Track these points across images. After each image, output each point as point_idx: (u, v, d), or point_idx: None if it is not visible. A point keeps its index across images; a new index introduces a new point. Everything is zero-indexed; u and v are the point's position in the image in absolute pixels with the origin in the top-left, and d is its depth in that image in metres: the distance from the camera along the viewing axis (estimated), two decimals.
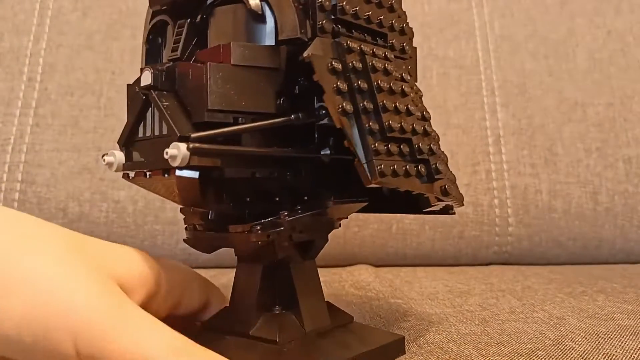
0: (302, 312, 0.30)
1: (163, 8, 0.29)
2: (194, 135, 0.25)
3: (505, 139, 0.68)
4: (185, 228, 0.31)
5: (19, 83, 0.65)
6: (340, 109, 0.26)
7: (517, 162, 0.67)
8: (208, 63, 0.26)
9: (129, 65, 0.67)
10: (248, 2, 0.27)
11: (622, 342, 0.33)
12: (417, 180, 0.28)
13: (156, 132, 0.27)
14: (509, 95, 0.69)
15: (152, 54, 0.32)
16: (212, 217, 0.30)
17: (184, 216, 0.31)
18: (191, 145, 0.25)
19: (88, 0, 0.68)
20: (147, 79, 0.27)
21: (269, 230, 0.28)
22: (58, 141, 0.63)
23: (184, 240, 0.31)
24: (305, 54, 0.26)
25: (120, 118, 0.65)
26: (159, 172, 0.27)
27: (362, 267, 0.60)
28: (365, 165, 0.26)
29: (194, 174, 0.27)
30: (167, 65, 0.27)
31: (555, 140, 0.68)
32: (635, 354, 0.32)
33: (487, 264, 0.66)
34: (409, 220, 0.65)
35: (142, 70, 0.27)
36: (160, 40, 0.31)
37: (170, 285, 0.31)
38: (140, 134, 0.28)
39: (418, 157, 0.28)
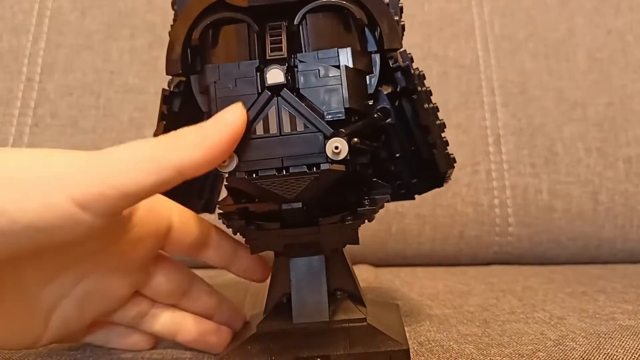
0: (293, 305, 0.32)
1: (250, 6, 0.29)
2: (346, 130, 0.28)
3: (505, 138, 0.67)
4: (238, 233, 0.31)
5: (17, 83, 0.65)
6: (426, 108, 0.32)
7: (517, 162, 0.67)
8: (344, 65, 0.28)
9: (128, 65, 0.66)
10: (354, 12, 0.29)
11: (622, 342, 0.33)
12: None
13: (286, 130, 0.28)
14: (509, 94, 0.69)
15: (199, 53, 0.31)
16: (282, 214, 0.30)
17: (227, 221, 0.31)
18: (353, 140, 0.28)
19: (87, 0, 0.68)
20: (279, 77, 0.27)
21: (359, 221, 0.30)
22: (57, 141, 0.63)
23: (252, 246, 0.31)
24: (403, 63, 0.31)
25: (119, 118, 0.65)
26: (302, 168, 0.28)
27: (362, 267, 0.60)
28: (444, 154, 0.32)
29: (342, 167, 0.28)
30: (287, 64, 0.28)
31: (555, 140, 0.68)
32: (636, 354, 0.31)
33: (487, 264, 0.66)
34: (409, 220, 0.65)
35: (258, 66, 0.28)
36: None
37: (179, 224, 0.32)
38: (260, 132, 0.28)
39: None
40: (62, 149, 0.26)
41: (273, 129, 0.28)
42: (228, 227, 0.31)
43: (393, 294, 0.48)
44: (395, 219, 0.64)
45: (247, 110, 0.27)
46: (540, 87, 0.69)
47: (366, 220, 0.31)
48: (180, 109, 0.32)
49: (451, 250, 0.65)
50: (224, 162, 0.27)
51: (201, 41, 0.29)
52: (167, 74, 0.30)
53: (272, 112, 0.28)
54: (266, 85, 0.28)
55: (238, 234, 0.32)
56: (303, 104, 0.28)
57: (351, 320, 0.32)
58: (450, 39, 0.70)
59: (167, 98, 0.32)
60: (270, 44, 0.28)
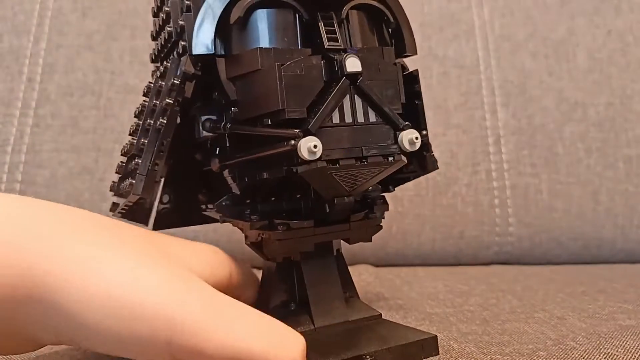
0: (312, 308, 0.31)
1: None
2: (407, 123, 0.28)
3: (505, 138, 0.68)
4: (262, 235, 0.31)
5: (18, 83, 0.65)
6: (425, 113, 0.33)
7: (517, 162, 0.67)
8: (399, 61, 0.29)
9: (129, 65, 0.67)
10: (389, 18, 0.30)
11: (623, 342, 0.33)
12: None
13: (360, 119, 0.27)
14: (509, 95, 0.69)
15: (229, 34, 0.29)
16: (310, 213, 0.30)
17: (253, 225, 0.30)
18: (424, 133, 0.29)
19: (88, 0, 0.68)
20: (356, 65, 0.27)
21: (381, 216, 0.31)
22: (58, 142, 0.63)
23: (272, 250, 0.31)
24: (413, 70, 0.32)
25: (119, 118, 0.65)
26: (378, 158, 0.28)
27: (362, 267, 0.60)
28: (431, 155, 0.34)
29: (405, 160, 0.28)
30: (359, 54, 0.27)
31: (555, 140, 0.68)
32: (637, 353, 0.31)
33: (487, 264, 0.66)
34: (409, 220, 0.65)
35: (337, 53, 0.27)
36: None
37: (236, 279, 0.31)
38: (336, 120, 0.27)
39: None
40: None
41: (348, 118, 0.27)
42: (251, 228, 0.30)
43: (393, 294, 0.48)
44: (395, 219, 0.64)
45: (318, 98, 0.27)
46: (540, 87, 0.69)
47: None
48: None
49: (451, 250, 0.66)
50: (315, 146, 0.26)
51: (238, 22, 0.28)
52: (192, 54, 0.28)
53: (346, 101, 0.27)
54: (346, 72, 0.27)
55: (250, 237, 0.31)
56: (377, 95, 0.28)
57: (369, 318, 0.32)
58: (450, 39, 0.70)
59: (180, 86, 0.29)
60: (326, 34, 0.28)
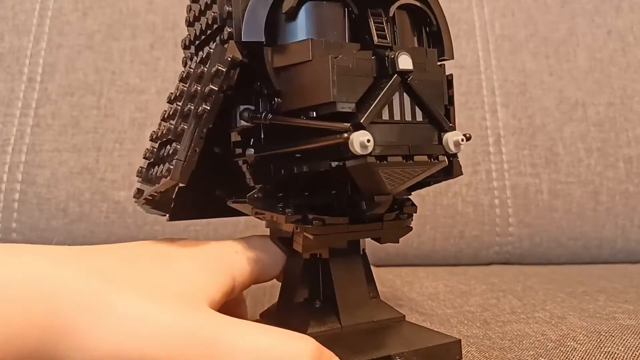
0: (339, 307, 0.31)
1: None
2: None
3: (505, 138, 0.68)
4: (297, 234, 0.30)
5: (19, 83, 0.65)
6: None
7: (517, 162, 0.67)
8: (444, 63, 0.29)
9: (129, 65, 0.67)
10: (433, 22, 0.30)
11: (623, 342, 0.33)
12: None
13: (407, 117, 0.27)
14: (510, 95, 0.69)
15: (278, 23, 0.29)
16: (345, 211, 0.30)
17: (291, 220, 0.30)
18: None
19: (88, 0, 0.68)
20: (408, 63, 0.27)
21: (411, 217, 0.32)
22: (58, 141, 0.63)
23: (307, 245, 0.30)
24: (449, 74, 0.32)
25: (120, 118, 0.65)
26: (424, 157, 0.28)
27: None
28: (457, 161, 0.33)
29: (446, 162, 0.29)
30: (408, 52, 0.27)
31: (555, 140, 0.68)
32: (637, 352, 0.31)
33: (487, 264, 0.66)
34: None
35: (388, 50, 0.27)
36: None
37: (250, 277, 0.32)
38: (386, 117, 0.27)
39: None
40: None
41: (397, 116, 0.27)
42: (286, 221, 0.29)
43: (393, 294, 0.48)
44: None
45: (369, 91, 0.26)
46: (541, 87, 0.69)
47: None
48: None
49: (452, 250, 0.66)
50: (368, 141, 0.25)
51: (289, 12, 0.28)
52: (243, 39, 0.28)
53: (395, 98, 0.27)
54: (398, 69, 0.27)
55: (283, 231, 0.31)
56: (425, 95, 0.27)
57: (393, 319, 0.32)
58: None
59: (226, 72, 0.28)
60: (376, 30, 0.28)
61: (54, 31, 0.67)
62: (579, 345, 0.33)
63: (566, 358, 0.31)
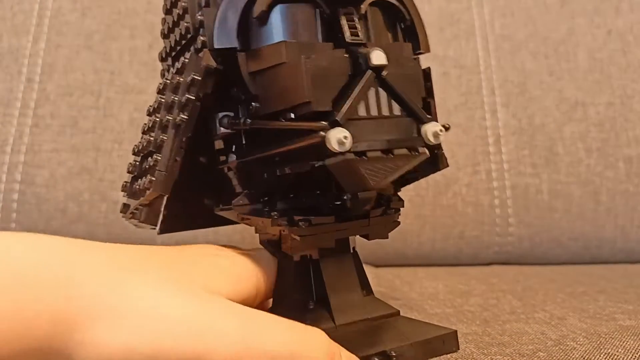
0: (332, 306, 0.30)
1: None
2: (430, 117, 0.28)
3: (505, 138, 0.67)
4: (284, 232, 0.30)
5: (17, 83, 0.65)
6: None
7: (517, 162, 0.67)
8: (419, 57, 0.30)
9: (128, 65, 0.66)
10: (405, 15, 0.31)
11: (623, 342, 0.33)
12: None
13: (384, 112, 0.27)
14: (509, 95, 0.69)
15: (249, 28, 0.29)
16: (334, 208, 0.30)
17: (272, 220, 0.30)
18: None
19: (87, 0, 0.68)
20: (381, 58, 0.27)
21: (398, 212, 0.32)
22: (57, 142, 0.63)
23: (294, 247, 0.30)
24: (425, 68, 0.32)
25: (119, 118, 0.65)
26: (404, 151, 0.28)
27: None
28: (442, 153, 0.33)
29: (428, 154, 0.29)
30: (381, 48, 0.27)
31: (555, 140, 0.68)
32: (637, 353, 0.31)
33: (487, 264, 0.66)
34: (409, 220, 0.65)
35: (361, 46, 0.27)
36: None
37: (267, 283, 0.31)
38: (362, 113, 0.27)
39: None
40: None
41: (374, 111, 0.27)
42: (272, 224, 0.29)
43: (393, 294, 0.48)
44: None
45: (344, 89, 0.26)
46: (541, 87, 0.69)
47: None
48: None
49: (451, 250, 0.65)
50: (345, 137, 0.25)
51: (260, 16, 0.28)
52: (216, 46, 0.28)
53: (371, 93, 0.27)
54: (371, 65, 0.27)
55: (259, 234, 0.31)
56: (400, 89, 0.27)
57: (387, 315, 0.32)
58: (450, 39, 0.70)
59: (201, 81, 0.28)
60: (349, 28, 0.28)
61: (52, 31, 0.67)
62: (578, 346, 0.33)
63: (565, 355, 0.31)
